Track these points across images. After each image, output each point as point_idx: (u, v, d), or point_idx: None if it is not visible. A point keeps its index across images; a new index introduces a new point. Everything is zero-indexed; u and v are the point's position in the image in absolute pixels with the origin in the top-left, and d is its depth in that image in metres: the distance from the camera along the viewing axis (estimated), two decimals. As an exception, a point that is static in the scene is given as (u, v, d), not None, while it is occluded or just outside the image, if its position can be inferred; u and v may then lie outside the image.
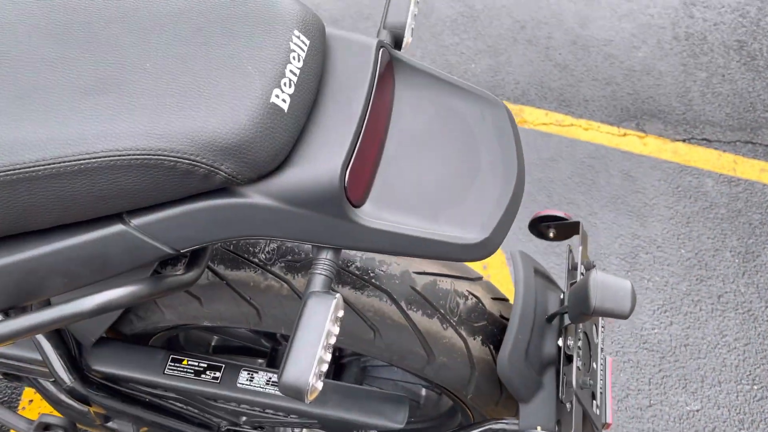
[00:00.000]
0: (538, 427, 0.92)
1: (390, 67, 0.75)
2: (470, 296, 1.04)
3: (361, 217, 0.67)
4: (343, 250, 0.99)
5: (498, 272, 2.06)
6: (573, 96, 2.70)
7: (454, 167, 0.73)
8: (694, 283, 2.03)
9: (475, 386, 1.04)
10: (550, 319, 1.03)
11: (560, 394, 0.96)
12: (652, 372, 1.80)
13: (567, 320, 1.01)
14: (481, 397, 1.07)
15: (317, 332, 0.63)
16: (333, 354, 1.26)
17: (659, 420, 1.71)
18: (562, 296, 1.06)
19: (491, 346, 1.04)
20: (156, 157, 0.60)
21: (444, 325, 1.00)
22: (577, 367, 0.96)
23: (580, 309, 0.91)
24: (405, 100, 0.75)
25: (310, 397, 0.63)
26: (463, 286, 1.04)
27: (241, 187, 0.64)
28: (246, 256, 0.98)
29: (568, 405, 0.95)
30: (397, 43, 0.82)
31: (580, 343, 1.00)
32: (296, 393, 0.61)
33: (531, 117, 2.59)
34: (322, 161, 0.64)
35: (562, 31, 3.05)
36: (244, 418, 1.16)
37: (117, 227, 0.65)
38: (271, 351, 1.26)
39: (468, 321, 1.02)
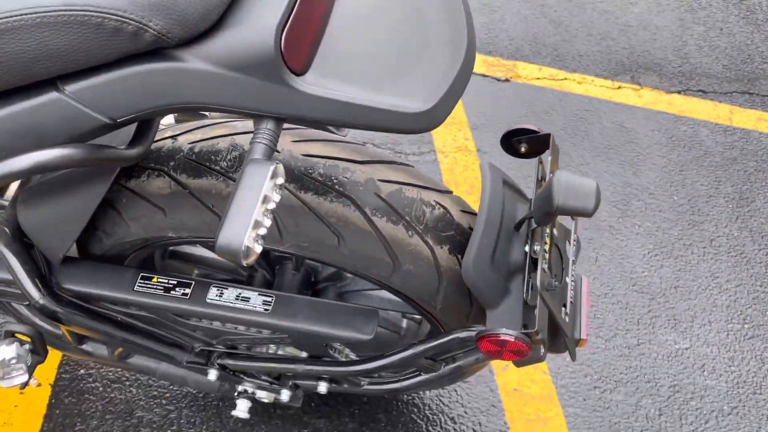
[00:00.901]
0: (503, 328, 0.91)
1: None
2: (437, 206, 1.03)
3: (301, 84, 0.66)
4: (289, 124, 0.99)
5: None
6: (567, 51, 2.67)
7: (402, 41, 0.72)
8: (687, 228, 2.00)
9: (443, 297, 1.04)
10: (517, 226, 1.02)
11: (526, 297, 0.94)
12: (641, 313, 1.79)
13: (534, 224, 1.00)
14: (451, 309, 1.06)
15: (254, 195, 0.62)
16: (308, 279, 1.26)
17: (647, 358, 1.69)
18: (534, 192, 1.05)
19: (459, 257, 1.03)
20: (82, 12, 0.59)
21: (409, 232, 0.99)
22: (543, 270, 0.95)
23: (545, 208, 0.90)
24: None
25: (248, 261, 0.63)
26: (430, 196, 1.03)
27: (174, 50, 0.63)
28: (207, 164, 0.98)
29: (535, 308, 0.94)
30: None
31: (547, 248, 0.99)
32: (231, 254, 0.61)
33: (524, 72, 2.57)
34: (256, 23, 0.63)
35: (557, -12, 3.01)
36: (215, 338, 1.15)
37: (51, 95, 0.65)
38: (249, 274, 1.26)
39: (434, 230, 1.01)
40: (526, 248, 1.00)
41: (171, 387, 1.61)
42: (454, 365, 1.08)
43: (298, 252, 0.99)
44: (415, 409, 1.59)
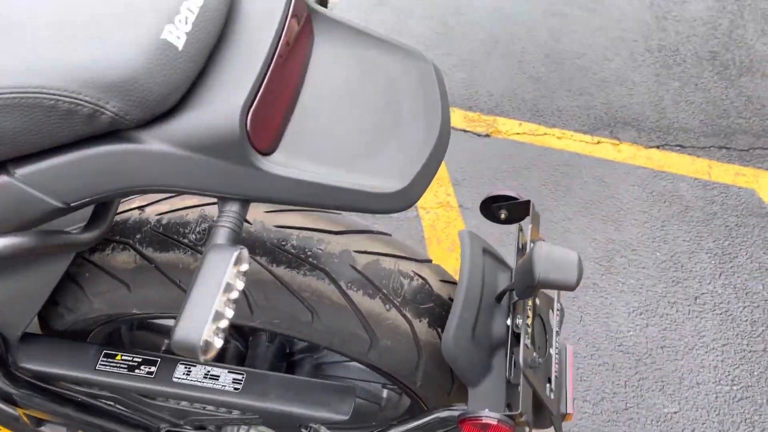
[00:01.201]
0: (486, 410, 0.87)
1: (308, 19, 0.72)
2: (416, 277, 0.99)
3: (268, 165, 0.63)
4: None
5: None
6: (546, 106, 2.69)
7: (375, 118, 0.70)
8: (670, 285, 1.98)
9: (423, 373, 0.99)
10: (499, 298, 0.99)
11: (509, 375, 0.90)
12: (628, 375, 1.74)
13: (516, 297, 0.96)
14: (432, 385, 1.01)
15: (215, 285, 0.58)
16: (283, 351, 1.20)
17: (636, 423, 1.64)
18: (515, 263, 1.02)
19: (439, 330, 0.99)
20: (34, 95, 0.56)
21: (387, 306, 0.95)
22: (525, 345, 0.91)
23: (526, 282, 0.87)
24: (325, 51, 0.72)
25: (207, 356, 0.58)
26: (408, 267, 1.00)
27: (133, 131, 0.60)
28: (175, 236, 0.94)
29: (518, 387, 0.90)
30: (323, 2, 0.79)
31: (529, 321, 0.95)
32: (188, 349, 0.56)
33: (504, 127, 2.58)
34: (220, 102, 0.60)
35: (535, 45, 3.06)
36: (183, 419, 1.09)
37: (0, 179, 0.61)
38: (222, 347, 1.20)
39: (413, 302, 0.97)
40: (508, 321, 0.96)
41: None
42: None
43: (270, 328, 0.95)
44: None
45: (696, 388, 1.72)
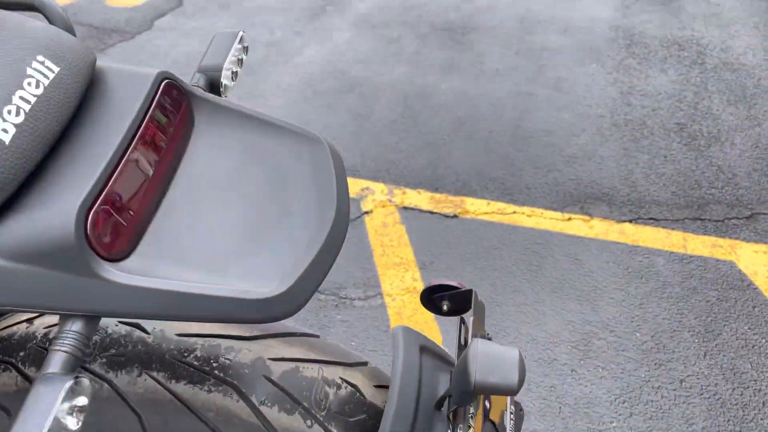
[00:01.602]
0: None
1: (186, 106, 0.64)
2: (344, 384, 0.87)
3: (116, 274, 0.53)
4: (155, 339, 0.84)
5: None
6: (515, 184, 2.64)
7: (258, 212, 0.61)
8: (653, 368, 1.85)
9: (356, 499, 0.85)
10: (438, 404, 0.87)
11: None
12: (614, 473, 1.59)
13: (454, 404, 0.84)
14: None
15: (36, 426, 0.47)
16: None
17: None
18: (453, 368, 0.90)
19: (373, 444, 0.86)
20: None
21: (308, 422, 0.82)
22: (465, 462, 0.79)
23: (462, 387, 0.76)
24: (205, 139, 0.64)
25: None
26: (335, 373, 0.88)
27: None
28: (63, 351, 0.82)
29: None
30: (215, 86, 0.72)
31: (475, 430, 0.83)
32: None
33: (473, 207, 2.51)
34: (56, 204, 0.51)
35: (501, 124, 3.05)
36: None
37: None
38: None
39: (340, 414, 0.85)
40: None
41: None
42: None
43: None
44: None
45: (689, 485, 1.56)
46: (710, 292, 2.11)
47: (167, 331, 0.84)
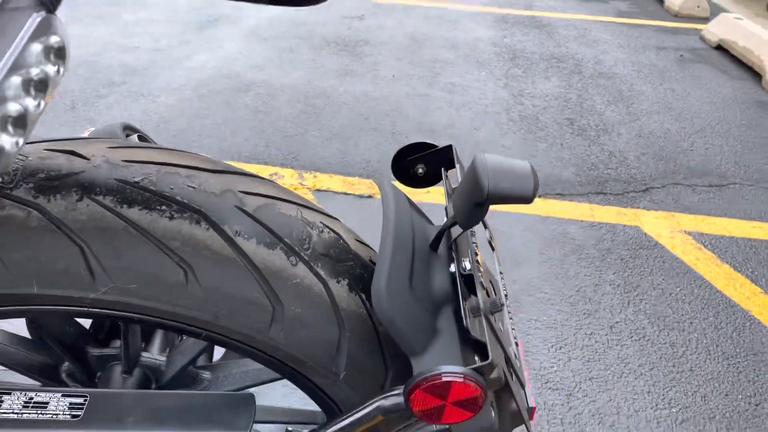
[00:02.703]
0: (443, 366, 0.62)
1: None
2: (326, 230, 0.76)
3: None
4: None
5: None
6: (425, 169, 2.61)
7: None
8: (583, 318, 1.85)
9: (348, 356, 0.72)
10: (434, 245, 0.77)
11: (466, 323, 0.67)
12: (563, 411, 1.53)
13: (455, 235, 0.75)
14: (359, 377, 0.74)
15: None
16: (147, 384, 0.87)
17: (583, 462, 1.41)
18: (446, 208, 0.81)
19: (363, 296, 0.74)
20: None
21: (292, 260, 0.69)
22: (481, 283, 0.70)
23: (474, 200, 0.67)
24: None
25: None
26: (315, 217, 0.76)
27: None
28: (-28, 180, 0.64)
29: (483, 335, 0.67)
30: None
31: (479, 258, 0.74)
32: None
33: (385, 190, 2.44)
34: None
35: (404, 120, 3.05)
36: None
37: None
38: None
39: (326, 257, 0.73)
40: (452, 268, 0.74)
41: None
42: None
43: (123, 307, 0.65)
44: None
45: (635, 416, 1.54)
46: (623, 252, 2.17)
47: (111, 157, 0.68)
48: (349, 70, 3.60)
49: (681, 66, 4.11)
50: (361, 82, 3.46)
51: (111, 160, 0.68)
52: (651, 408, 1.57)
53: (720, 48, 4.46)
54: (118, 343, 0.88)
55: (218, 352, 1.08)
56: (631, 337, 1.79)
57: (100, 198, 0.64)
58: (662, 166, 2.79)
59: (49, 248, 0.62)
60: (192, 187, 0.68)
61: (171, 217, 0.65)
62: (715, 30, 4.54)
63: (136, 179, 0.66)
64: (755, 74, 3.99)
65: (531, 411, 0.82)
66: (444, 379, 0.61)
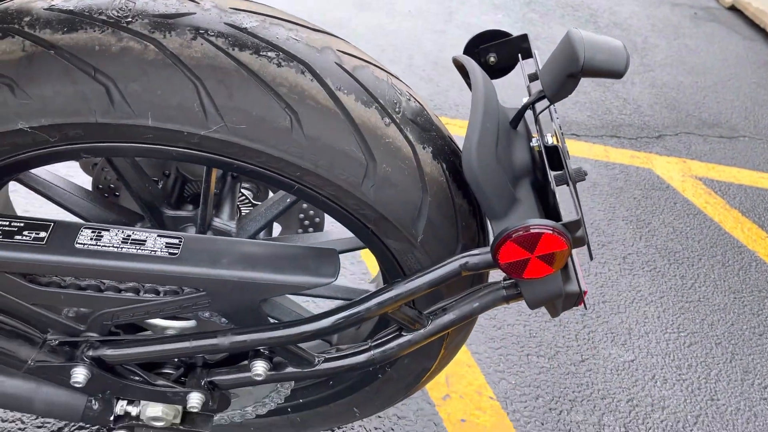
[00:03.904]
0: (533, 219, 0.66)
1: None
2: (412, 99, 0.78)
3: None
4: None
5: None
6: (443, 102, 2.63)
7: None
8: (597, 248, 1.90)
9: (426, 221, 0.76)
10: (515, 121, 0.80)
11: (553, 187, 0.70)
12: (577, 329, 1.60)
13: (539, 110, 0.78)
14: (433, 243, 0.78)
15: None
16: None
17: (595, 374, 1.48)
18: (528, 87, 0.84)
19: (444, 166, 0.77)
20: None
21: (385, 120, 0.72)
22: (564, 152, 0.73)
23: (568, 70, 0.70)
24: None
25: None
26: (401, 86, 0.78)
27: None
28: (88, 13, 0.65)
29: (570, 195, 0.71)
30: None
31: (561, 130, 0.77)
32: None
33: (404, 119, 2.46)
34: None
35: (422, 54, 3.04)
36: (83, 323, 0.75)
37: None
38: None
39: (414, 123, 0.76)
40: (533, 142, 0.77)
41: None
42: (443, 319, 0.78)
43: (228, 149, 0.67)
44: (347, 458, 1.22)
45: (646, 337, 1.61)
46: (635, 191, 2.22)
47: (219, 3, 0.70)
48: (365, 3, 3.56)
49: (695, 23, 4.11)
50: (377, 15, 3.43)
51: (219, 6, 0.69)
52: (661, 331, 1.64)
53: (733, 9, 4.46)
54: (190, 207, 0.91)
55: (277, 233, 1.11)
56: (643, 268, 1.86)
57: (213, 39, 0.66)
58: (675, 115, 2.83)
59: (165, 82, 0.64)
60: (296, 39, 0.70)
61: (279, 65, 0.67)
62: (731, -10, 4.53)
63: (245, 25, 0.68)
64: (767, 35, 4.01)
65: (583, 294, 0.87)
66: (533, 230, 0.65)
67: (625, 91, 3.01)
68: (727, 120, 2.85)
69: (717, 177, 2.39)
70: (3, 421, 1.18)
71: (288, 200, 0.89)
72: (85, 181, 0.98)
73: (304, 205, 1.07)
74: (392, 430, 1.28)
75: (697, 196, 2.24)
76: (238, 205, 1.03)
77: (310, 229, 1.09)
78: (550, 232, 0.65)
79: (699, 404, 1.46)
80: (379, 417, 1.30)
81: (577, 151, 2.41)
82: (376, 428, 1.28)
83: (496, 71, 0.93)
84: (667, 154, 2.50)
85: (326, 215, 0.89)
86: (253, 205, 1.05)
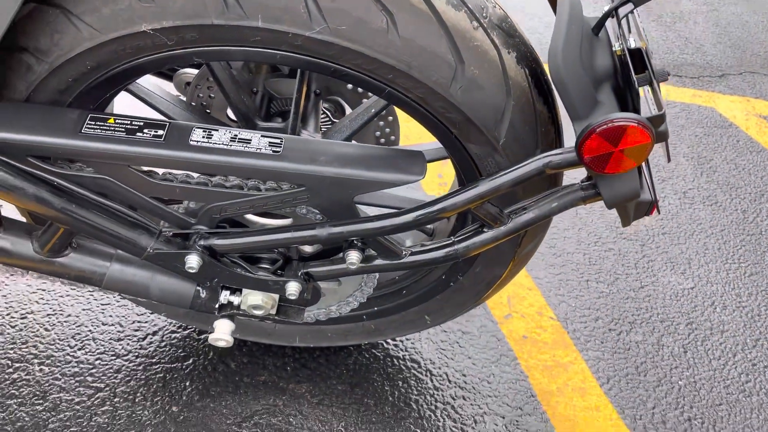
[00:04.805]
0: (618, 113, 0.70)
1: None
2: (497, 6, 0.82)
3: None
4: None
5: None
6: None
7: None
8: (658, 183, 1.91)
9: (509, 125, 0.80)
10: (597, 28, 0.83)
11: (635, 85, 0.73)
12: (636, 258, 1.63)
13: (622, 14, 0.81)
14: (515, 147, 0.83)
15: None
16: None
17: (654, 299, 1.52)
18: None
19: (527, 71, 0.81)
20: None
21: (474, 23, 0.76)
22: (651, 54, 0.76)
23: None
24: None
25: None
26: (485, -5, 0.82)
27: None
28: None
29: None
30: None
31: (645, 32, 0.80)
32: None
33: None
34: None
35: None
36: (194, 216, 0.83)
37: None
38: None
39: (500, 29, 0.79)
40: (616, 47, 0.80)
41: (98, 361, 1.21)
42: (523, 218, 0.83)
43: (328, 51, 0.73)
44: (415, 365, 1.30)
45: (706, 267, 1.63)
46: (697, 129, 2.20)
47: None
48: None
49: (763, -39, 3.93)
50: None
51: None
52: (721, 261, 1.66)
53: (806, -55, 4.24)
54: (279, 119, 0.97)
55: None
56: (704, 203, 1.86)
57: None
58: (739, 54, 2.76)
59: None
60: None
61: (375, -32, 0.72)
62: (804, -75, 4.29)
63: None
64: (842, -27, 3.81)
65: (655, 203, 0.90)
66: (618, 123, 0.69)
67: (688, 30, 2.93)
68: (795, 59, 2.76)
69: (783, 115, 2.34)
70: (103, 324, 1.29)
71: (373, 110, 0.94)
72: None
73: (381, 122, 1.13)
74: (457, 343, 1.35)
75: (761, 134, 2.21)
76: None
77: (386, 147, 1.15)
78: (635, 124, 0.69)
79: (758, 329, 1.49)
80: (445, 331, 1.38)
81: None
82: (442, 341, 1.35)
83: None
84: (731, 93, 2.45)
85: (400, 131, 0.94)
86: (332, 123, 1.11)
